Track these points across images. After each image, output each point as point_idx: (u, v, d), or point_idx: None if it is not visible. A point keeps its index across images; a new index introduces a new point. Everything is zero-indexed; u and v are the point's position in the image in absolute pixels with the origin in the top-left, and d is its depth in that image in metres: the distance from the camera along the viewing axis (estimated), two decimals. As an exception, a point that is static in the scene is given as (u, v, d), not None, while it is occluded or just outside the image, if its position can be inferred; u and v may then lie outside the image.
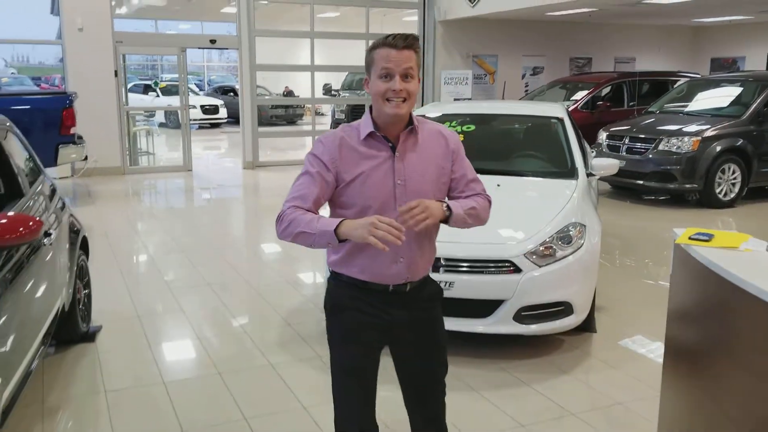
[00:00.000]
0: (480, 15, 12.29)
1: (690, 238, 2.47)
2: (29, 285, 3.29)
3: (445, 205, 2.17)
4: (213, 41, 12.47)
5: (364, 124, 2.19)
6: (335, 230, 1.99)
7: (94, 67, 10.78)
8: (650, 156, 8.87)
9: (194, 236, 7.53)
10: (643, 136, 9.16)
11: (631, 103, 11.93)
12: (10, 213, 3.08)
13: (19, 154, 4.02)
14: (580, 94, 11.87)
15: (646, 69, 14.46)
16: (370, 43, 2.15)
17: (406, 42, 2.10)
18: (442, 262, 3.96)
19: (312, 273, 6.02)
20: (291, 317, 4.83)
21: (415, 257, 2.22)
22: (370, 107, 2.21)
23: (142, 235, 7.59)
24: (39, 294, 3.46)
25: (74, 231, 4.50)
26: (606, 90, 12.13)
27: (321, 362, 4.05)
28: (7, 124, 4.02)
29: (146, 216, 8.77)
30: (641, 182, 9.07)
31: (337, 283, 2.28)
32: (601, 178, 9.62)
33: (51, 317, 3.66)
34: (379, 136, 2.17)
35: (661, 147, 8.82)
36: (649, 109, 10.37)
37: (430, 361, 2.37)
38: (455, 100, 12.36)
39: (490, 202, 2.35)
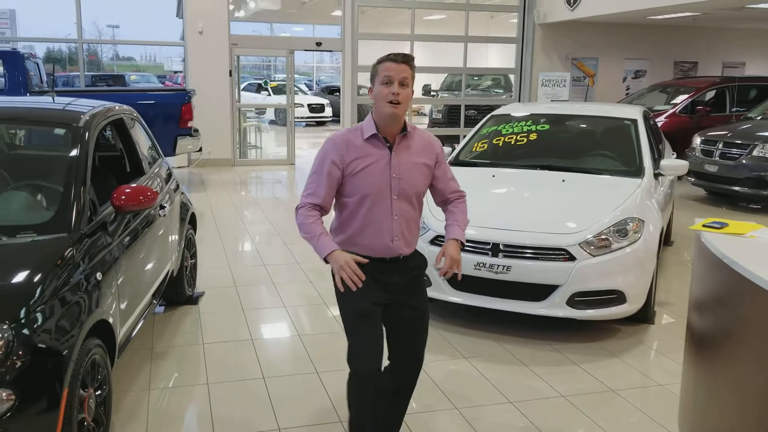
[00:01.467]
0: (579, 18, 12.36)
1: (704, 225, 2.74)
2: (145, 249, 3.96)
3: (459, 242, 2.77)
4: (319, 44, 13.23)
5: (367, 127, 2.68)
6: (325, 257, 2.57)
7: (211, 67, 11.74)
8: (744, 162, 8.74)
9: (293, 223, 8.17)
10: (738, 141, 9.02)
11: (734, 109, 11.64)
12: (133, 185, 3.74)
13: (142, 141, 4.73)
14: (680, 99, 11.71)
15: (758, 74, 13.97)
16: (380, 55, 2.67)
17: (404, 58, 2.60)
18: (501, 247, 4.33)
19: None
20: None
21: (406, 236, 2.73)
22: (371, 111, 2.69)
23: (246, 220, 8.35)
24: (152, 257, 4.13)
25: (185, 208, 5.19)
26: (709, 95, 11.89)
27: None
28: (134, 114, 4.74)
29: (251, 203, 9.56)
30: (737, 188, 8.94)
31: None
32: (696, 184, 9.63)
33: (161, 278, 4.33)
34: (380, 137, 2.66)
35: (755, 153, 8.67)
36: (749, 115, 10.14)
37: (417, 330, 2.83)
38: (552, 101, 12.50)
39: (464, 198, 2.93)
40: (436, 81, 18.28)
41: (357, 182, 2.65)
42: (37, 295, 2.66)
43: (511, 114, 6.14)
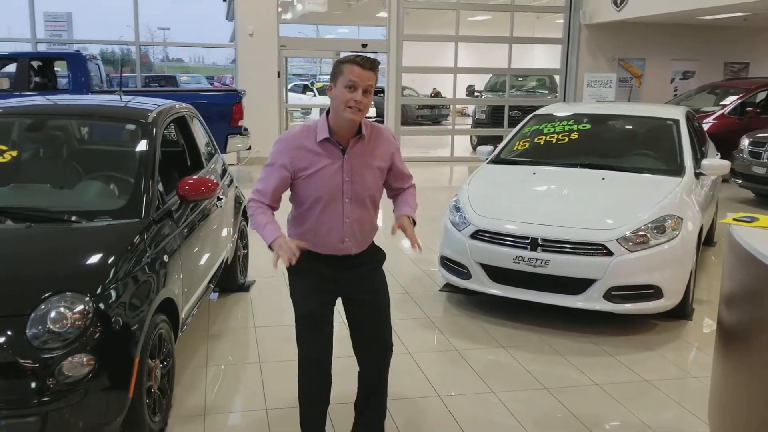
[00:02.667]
0: (626, 19, 12.33)
1: (734, 219, 2.86)
2: (204, 237, 4.23)
3: (412, 220, 2.80)
4: (364, 45, 13.46)
5: (321, 129, 2.64)
6: (269, 245, 2.60)
7: (261, 68, 12.08)
8: (792, 164, 8.67)
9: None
10: (787, 143, 8.94)
11: (785, 111, 11.47)
12: (195, 176, 4.02)
13: (200, 137, 5.02)
14: (729, 100, 11.59)
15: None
16: (341, 54, 2.70)
17: (371, 64, 2.55)
18: (540, 242, 4.48)
19: (428, 252, 6.68)
20: (410, 286, 5.55)
21: (358, 238, 2.76)
22: (327, 111, 2.65)
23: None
24: (210, 245, 4.40)
25: (238, 202, 5.48)
26: (760, 96, 11.74)
27: (428, 320, 4.78)
28: (193, 111, 5.04)
29: (297, 200, 9.86)
30: (786, 191, 8.88)
31: None
32: (743, 186, 9.56)
33: (217, 265, 4.61)
34: (333, 141, 2.64)
35: (804, 155, 8.59)
36: (799, 117, 10.01)
37: (376, 313, 2.89)
38: (597, 102, 12.49)
39: (414, 186, 2.98)
40: (480, 82, 18.37)
41: (309, 186, 2.65)
42: (111, 273, 2.95)
43: (554, 113, 6.27)
